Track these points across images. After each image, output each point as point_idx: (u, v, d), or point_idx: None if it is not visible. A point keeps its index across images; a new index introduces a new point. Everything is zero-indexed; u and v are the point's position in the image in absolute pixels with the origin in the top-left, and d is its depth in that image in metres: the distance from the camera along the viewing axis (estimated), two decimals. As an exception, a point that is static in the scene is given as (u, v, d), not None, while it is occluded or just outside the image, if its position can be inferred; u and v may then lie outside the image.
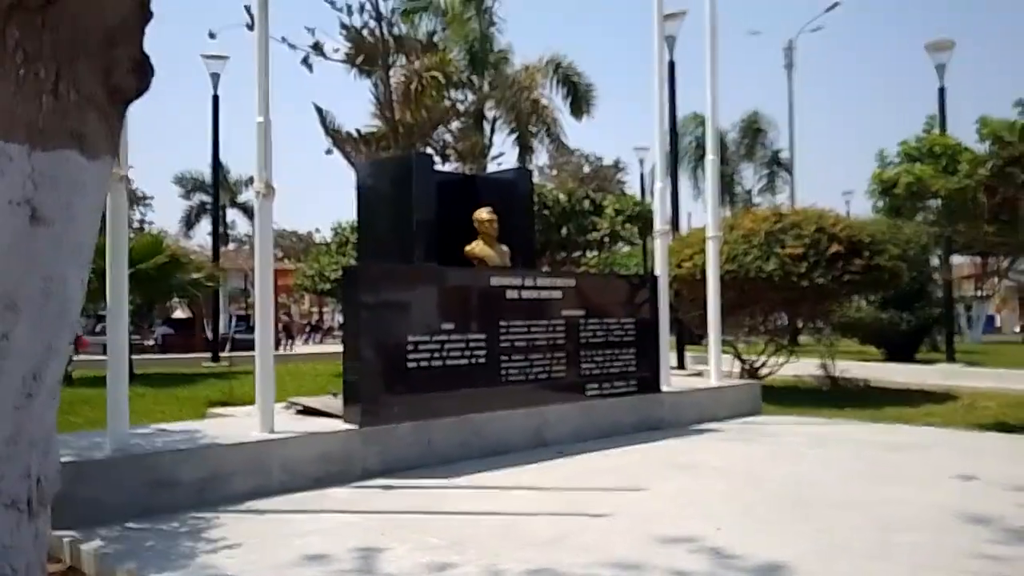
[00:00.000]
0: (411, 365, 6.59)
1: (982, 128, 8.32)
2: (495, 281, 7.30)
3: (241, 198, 49.08)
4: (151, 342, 24.03)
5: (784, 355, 13.04)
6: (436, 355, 6.76)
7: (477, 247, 7.89)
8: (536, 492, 5.86)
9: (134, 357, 18.01)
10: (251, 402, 7.54)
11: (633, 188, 37.63)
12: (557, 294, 7.77)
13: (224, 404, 10.48)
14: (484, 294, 7.23)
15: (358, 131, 12.49)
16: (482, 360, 7.09)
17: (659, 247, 9.44)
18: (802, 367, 15.22)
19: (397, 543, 4.55)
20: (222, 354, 19.39)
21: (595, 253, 18.86)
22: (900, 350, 19.89)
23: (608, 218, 17.09)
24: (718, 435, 8.36)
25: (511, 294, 7.38)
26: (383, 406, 6.43)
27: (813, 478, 6.27)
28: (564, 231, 16.75)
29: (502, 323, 7.29)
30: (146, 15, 2.39)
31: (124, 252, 5.51)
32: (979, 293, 34.10)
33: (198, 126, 75.57)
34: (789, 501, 5.49)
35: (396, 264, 7.59)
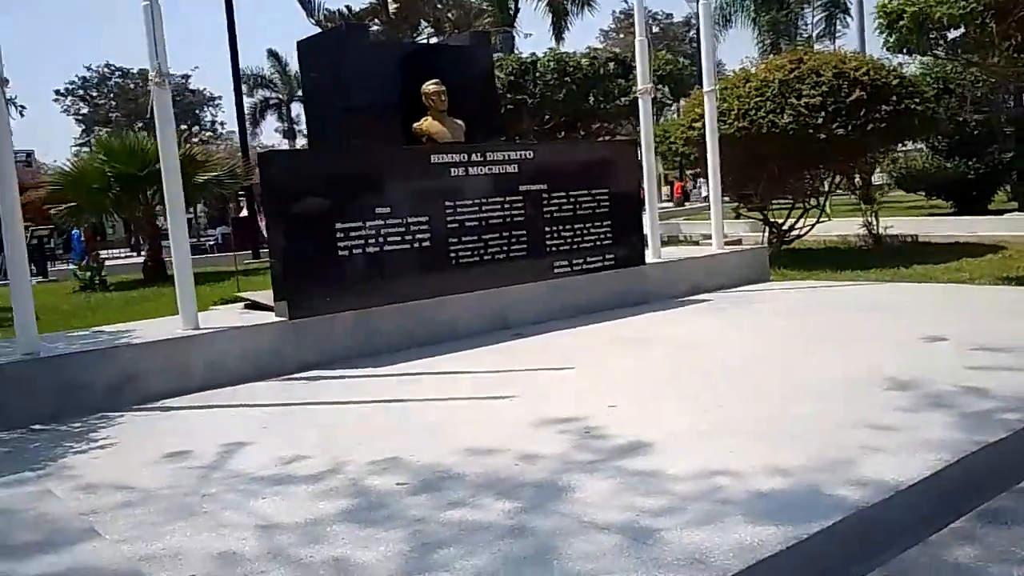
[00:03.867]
0: (342, 253, 6.35)
1: (998, -58, 7.25)
2: (435, 158, 6.91)
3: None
4: (212, 242, 24.62)
5: (814, 216, 12.25)
6: (371, 241, 6.50)
7: (425, 123, 7.47)
8: (460, 376, 5.65)
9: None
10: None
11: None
12: (512, 168, 7.32)
13: (229, 301, 10.56)
14: (423, 173, 6.86)
15: (348, 8, 11.88)
16: (427, 243, 6.79)
17: (642, 108, 8.79)
18: (848, 226, 14.40)
19: (271, 436, 4.44)
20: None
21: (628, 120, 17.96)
22: (971, 201, 18.54)
23: (636, 81, 16.12)
24: (701, 306, 7.92)
25: (456, 171, 6.99)
26: (312, 297, 6.25)
27: (766, 347, 5.86)
28: (591, 99, 15.94)
29: (448, 203, 6.93)
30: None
31: (10, 160, 5.34)
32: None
33: (255, 22, 75.25)
34: (717, 374, 5.11)
35: (314, 148, 7.28)
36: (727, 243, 14.18)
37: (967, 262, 10.17)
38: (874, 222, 13.18)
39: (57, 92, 63.48)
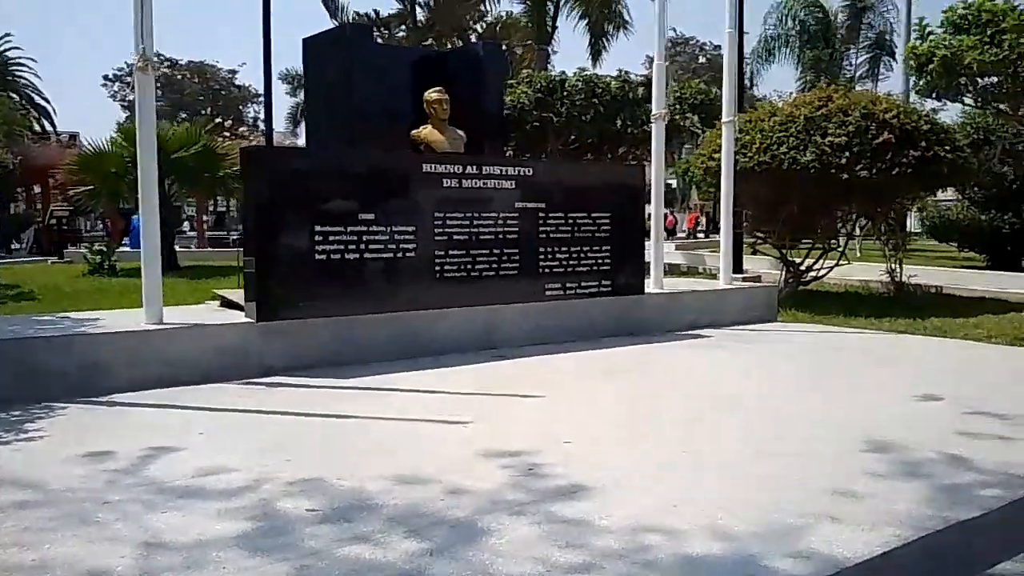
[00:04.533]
0: (319, 258, 6.14)
1: (1038, -13, 6.91)
2: (427, 167, 6.68)
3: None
4: (236, 235, 24.69)
5: (833, 258, 11.84)
6: (352, 248, 6.27)
7: (424, 131, 7.27)
8: (424, 395, 5.38)
9: (190, 250, 18.44)
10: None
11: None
12: (509, 184, 7.07)
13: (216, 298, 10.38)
14: (412, 181, 6.63)
15: (376, 12, 11.74)
16: (411, 254, 6.56)
17: (655, 133, 8.51)
18: (873, 272, 13.96)
19: (204, 443, 4.21)
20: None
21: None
22: (1005, 257, 17.91)
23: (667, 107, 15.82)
24: (697, 342, 7.60)
25: (448, 182, 6.75)
26: (282, 301, 6.03)
27: (753, 393, 5.52)
28: (619, 122, 15.66)
29: (437, 214, 6.70)
30: None
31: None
32: None
33: (305, 22, 76.05)
34: (693, 416, 4.80)
35: (296, 147, 7.08)
36: (746, 279, 13.87)
37: (987, 319, 9.72)
38: (897, 269, 12.73)
39: (105, 77, 64.42)
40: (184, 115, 54.48)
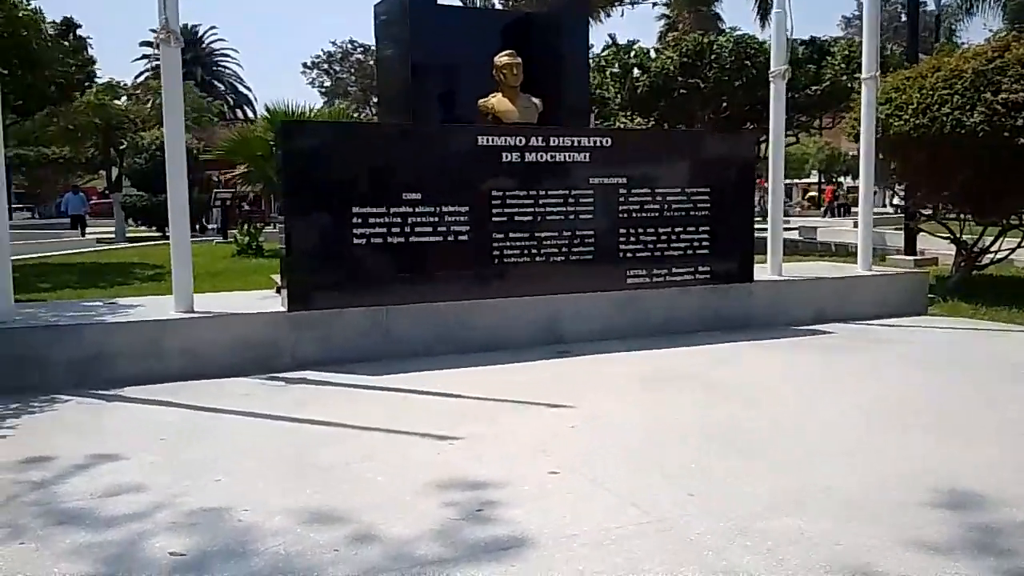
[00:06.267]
0: (358, 242, 5.63)
1: None
2: (483, 140, 5.98)
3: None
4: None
5: (1018, 236, 10.01)
6: (395, 231, 5.72)
7: (493, 100, 6.55)
8: (437, 401, 4.74)
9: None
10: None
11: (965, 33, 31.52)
12: (582, 156, 6.25)
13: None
14: (466, 156, 5.96)
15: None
16: (464, 238, 5.92)
17: (773, 94, 7.37)
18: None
19: (151, 453, 3.80)
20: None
21: (834, 113, 15.81)
22: None
23: (832, 67, 14.12)
24: (811, 341, 6.47)
25: (508, 156, 6.03)
26: (316, 288, 5.58)
27: (833, 413, 4.46)
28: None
29: (495, 192, 6.01)
30: None
31: None
32: None
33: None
34: (732, 445, 3.89)
35: (333, 121, 6.55)
36: (919, 261, 12.17)
37: None
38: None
39: (304, 65, 67.84)
40: (375, 99, 56.42)
